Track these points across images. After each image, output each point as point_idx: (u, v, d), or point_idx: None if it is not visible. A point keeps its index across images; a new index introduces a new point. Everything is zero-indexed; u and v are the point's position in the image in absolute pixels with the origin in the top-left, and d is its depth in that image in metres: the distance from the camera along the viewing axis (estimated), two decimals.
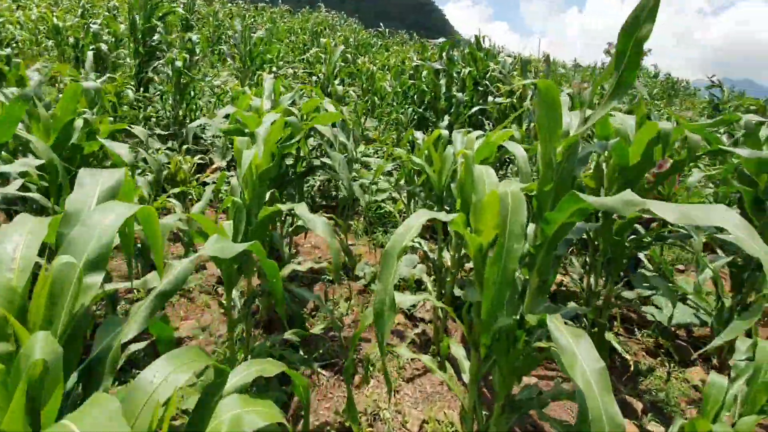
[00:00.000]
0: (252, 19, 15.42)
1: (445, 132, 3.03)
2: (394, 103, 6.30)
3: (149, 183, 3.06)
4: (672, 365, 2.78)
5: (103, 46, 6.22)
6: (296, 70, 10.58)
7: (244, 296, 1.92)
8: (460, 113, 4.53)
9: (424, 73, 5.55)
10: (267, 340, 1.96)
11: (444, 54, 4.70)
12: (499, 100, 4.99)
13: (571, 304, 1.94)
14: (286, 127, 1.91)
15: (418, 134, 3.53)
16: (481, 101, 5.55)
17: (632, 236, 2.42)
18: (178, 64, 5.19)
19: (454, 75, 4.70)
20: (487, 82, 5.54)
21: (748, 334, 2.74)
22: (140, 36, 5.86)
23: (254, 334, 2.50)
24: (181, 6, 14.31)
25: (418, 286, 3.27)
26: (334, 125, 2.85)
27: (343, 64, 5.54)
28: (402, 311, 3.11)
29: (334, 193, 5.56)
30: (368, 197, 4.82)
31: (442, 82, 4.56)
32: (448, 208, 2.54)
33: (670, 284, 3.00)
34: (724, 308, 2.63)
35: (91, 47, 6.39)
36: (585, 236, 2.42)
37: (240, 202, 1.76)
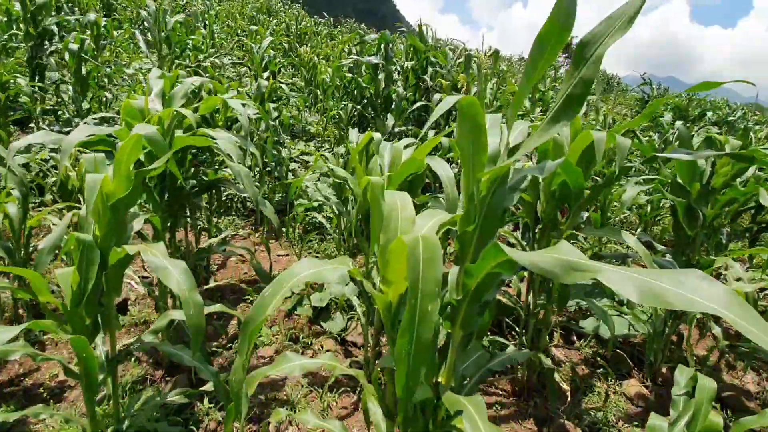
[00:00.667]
0: (184, 0, 14.19)
1: (378, 136, 2.72)
2: (335, 98, 5.91)
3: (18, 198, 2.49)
4: (610, 379, 2.70)
5: None
6: (227, 60, 9.80)
7: (109, 355, 1.51)
8: (402, 110, 4.24)
9: (363, 67, 5.21)
10: (143, 404, 1.57)
11: (382, 48, 4.37)
12: (439, 96, 4.76)
13: (509, 350, 1.72)
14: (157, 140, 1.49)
15: (354, 135, 3.20)
16: (423, 97, 5.31)
17: None
18: (75, 47, 4.45)
19: (394, 70, 4.39)
20: (427, 77, 5.30)
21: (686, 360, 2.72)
22: (29, 15, 4.99)
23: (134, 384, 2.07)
24: None
25: (349, 307, 2.97)
26: (266, 128, 2.45)
27: (273, 53, 5.03)
28: (332, 336, 2.80)
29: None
30: (304, 202, 4.43)
31: (381, 77, 4.24)
32: None
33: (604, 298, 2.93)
34: (657, 316, 2.58)
35: None
36: None
37: (88, 240, 1.35)
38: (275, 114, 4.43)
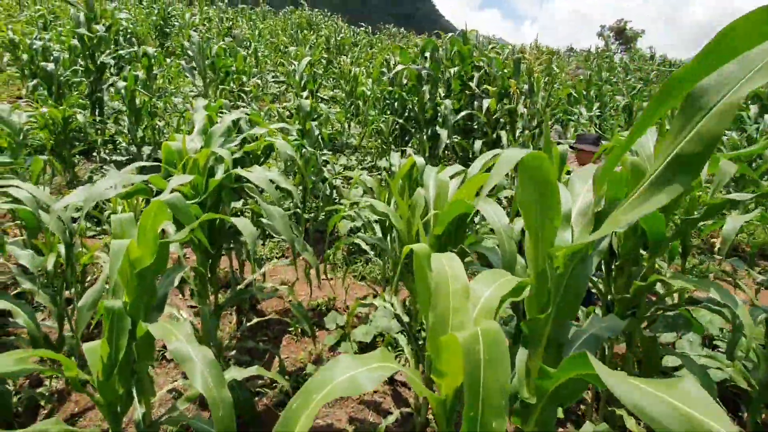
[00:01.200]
0: (230, 23, 14.81)
1: (420, 162, 2.53)
2: (376, 110, 5.78)
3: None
4: None
5: (49, 66, 5.67)
6: (270, 77, 10.02)
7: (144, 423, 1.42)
8: (447, 122, 4.00)
9: (404, 77, 5.03)
10: None
11: (427, 55, 4.13)
12: (486, 103, 4.46)
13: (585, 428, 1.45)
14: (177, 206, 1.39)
15: (396, 159, 3.03)
16: (468, 105, 5.03)
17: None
18: (123, 84, 4.66)
19: (441, 79, 4.15)
20: (472, 84, 5.02)
21: None
22: (88, 51, 5.32)
23: None
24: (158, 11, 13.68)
25: (396, 343, 2.78)
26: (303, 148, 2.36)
27: (312, 71, 5.00)
28: None
29: (312, 214, 5.06)
30: (347, 222, 4.33)
31: (426, 88, 4.03)
32: None
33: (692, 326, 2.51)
34: (760, 361, 2.15)
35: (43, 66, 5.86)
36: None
37: (117, 307, 1.27)
38: (316, 132, 4.37)
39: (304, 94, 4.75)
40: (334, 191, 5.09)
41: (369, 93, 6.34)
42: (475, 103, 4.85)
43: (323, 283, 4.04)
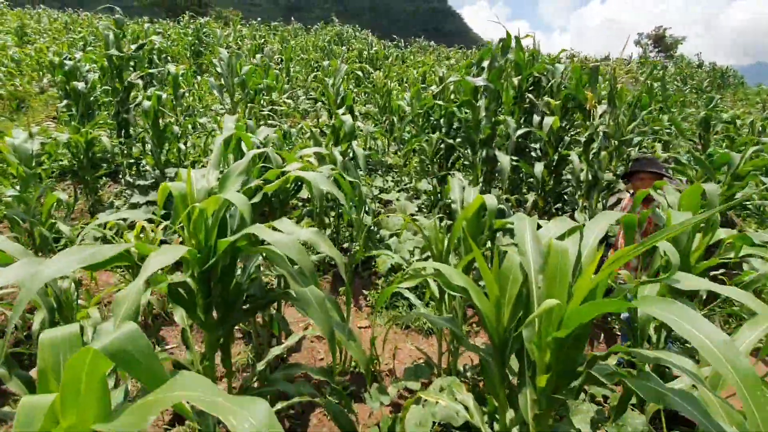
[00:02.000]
0: (262, 40, 14.80)
1: (492, 203, 1.91)
2: (415, 127, 5.22)
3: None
4: None
5: (80, 85, 5.47)
6: (301, 93, 9.70)
7: None
8: (510, 144, 3.36)
9: (452, 90, 4.45)
10: None
11: (485, 65, 3.51)
12: (549, 120, 3.80)
13: None
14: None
15: (457, 189, 2.42)
16: (523, 120, 4.38)
17: None
18: (148, 103, 4.31)
19: (501, 92, 3.52)
20: (531, 96, 4.37)
21: None
22: (115, 71, 5.06)
23: None
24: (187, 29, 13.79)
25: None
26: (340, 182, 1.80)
27: (349, 87, 4.51)
28: None
29: (346, 245, 4.49)
30: (391, 258, 3.73)
31: (481, 103, 3.42)
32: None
33: None
34: None
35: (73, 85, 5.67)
36: None
37: None
38: (359, 154, 3.83)
39: (341, 111, 4.25)
40: (368, 217, 4.51)
41: (408, 108, 5.79)
42: (534, 117, 4.19)
43: (360, 334, 3.45)
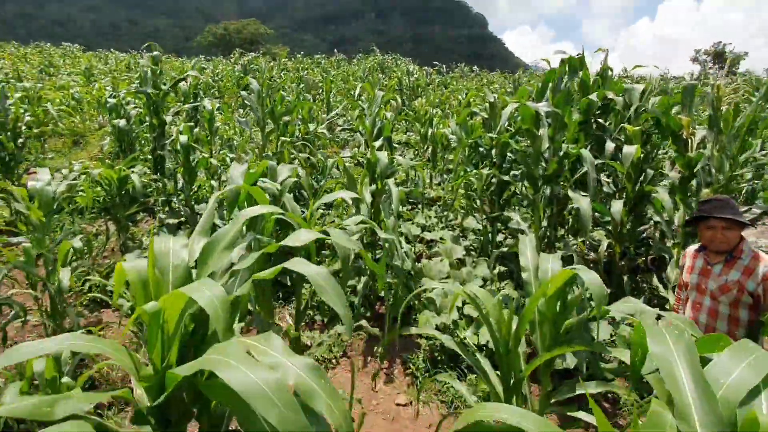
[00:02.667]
0: (305, 72, 15.06)
1: (594, 279, 1.32)
2: (461, 159, 4.67)
3: None
4: None
5: (121, 122, 5.47)
6: (341, 121, 9.48)
7: None
8: (590, 182, 2.72)
9: (503, 115, 3.88)
10: None
11: (549, 90, 2.93)
12: (630, 150, 3.11)
13: None
14: None
15: (528, 251, 1.82)
16: (589, 147, 3.71)
17: None
18: (184, 139, 4.10)
19: (567, 120, 2.90)
20: (603, 122, 3.72)
21: None
22: (153, 106, 4.98)
23: None
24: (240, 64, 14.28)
25: None
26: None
27: (388, 114, 4.08)
28: None
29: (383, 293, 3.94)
30: (434, 316, 3.13)
31: (543, 132, 2.82)
32: None
33: None
34: None
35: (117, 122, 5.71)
36: None
37: None
38: (394, 192, 3.34)
39: (378, 142, 3.81)
40: (409, 261, 3.95)
41: (452, 137, 5.27)
42: (607, 146, 3.52)
43: (397, 413, 2.85)
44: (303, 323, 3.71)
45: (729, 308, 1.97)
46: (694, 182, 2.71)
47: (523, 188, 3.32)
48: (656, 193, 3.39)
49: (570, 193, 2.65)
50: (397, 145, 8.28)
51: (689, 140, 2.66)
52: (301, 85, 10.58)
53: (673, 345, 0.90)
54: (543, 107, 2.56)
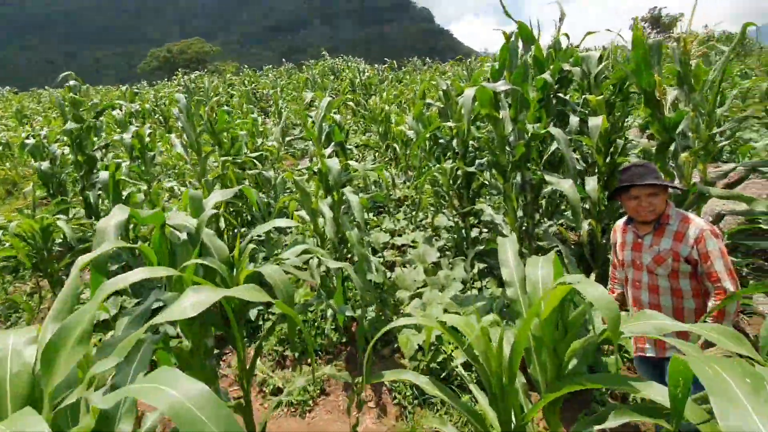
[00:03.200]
0: (252, 85, 14.48)
1: (600, 295, 1.01)
2: (423, 154, 4.37)
3: None
4: None
5: (43, 165, 4.88)
6: (293, 137, 9.05)
7: None
8: (567, 162, 2.44)
9: (462, 103, 3.60)
10: None
11: (504, 66, 2.60)
12: (596, 121, 2.88)
13: None
14: None
15: (509, 254, 1.51)
16: (551, 123, 3.48)
17: None
18: (104, 175, 3.60)
19: (530, 96, 2.61)
20: (560, 95, 3.49)
21: None
22: (75, 143, 4.43)
23: None
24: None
25: None
26: None
27: (337, 118, 3.72)
28: None
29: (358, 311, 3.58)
30: (415, 335, 2.80)
31: (504, 114, 2.51)
32: None
33: None
34: None
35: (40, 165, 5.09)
36: None
37: None
38: (354, 201, 2.98)
39: (328, 150, 3.44)
40: (377, 273, 3.61)
41: (410, 133, 4.97)
42: (571, 120, 3.29)
43: None
44: (272, 362, 3.30)
45: (669, 281, 1.79)
46: (673, 145, 2.48)
47: (492, 178, 3.04)
48: (628, 163, 3.18)
49: (547, 176, 2.38)
50: (355, 148, 7.93)
51: (662, 102, 2.44)
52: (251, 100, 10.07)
53: (743, 395, 0.59)
54: (500, 86, 2.27)
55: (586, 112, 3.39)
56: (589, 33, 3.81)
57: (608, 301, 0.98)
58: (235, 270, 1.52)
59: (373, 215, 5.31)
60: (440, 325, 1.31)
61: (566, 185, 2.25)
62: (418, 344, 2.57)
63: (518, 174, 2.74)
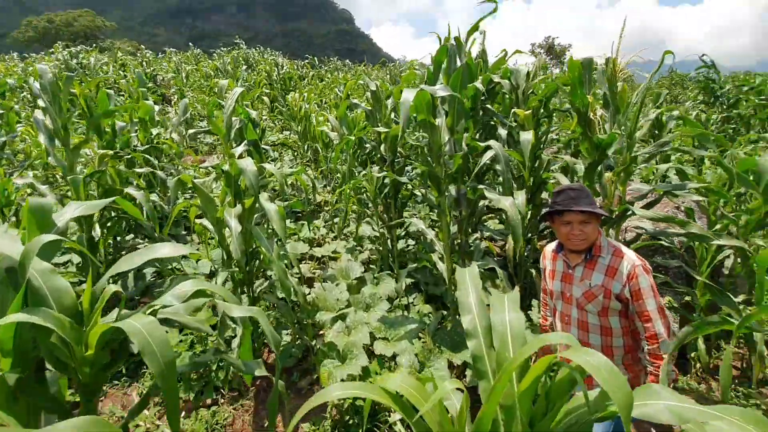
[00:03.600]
0: (152, 68, 12.81)
1: (602, 365, 0.76)
2: (346, 158, 4.04)
3: None
4: None
5: None
6: (198, 129, 8.13)
7: None
8: (506, 178, 2.28)
9: (392, 103, 3.35)
10: None
11: (442, 72, 2.38)
12: (526, 136, 2.83)
13: None
14: None
15: (470, 289, 1.26)
16: (478, 134, 3.42)
17: None
18: None
19: (464, 105, 2.41)
20: (489, 107, 3.43)
21: None
22: None
23: None
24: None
25: None
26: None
27: (252, 114, 3.20)
28: None
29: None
30: (337, 367, 2.44)
31: (441, 121, 2.30)
32: None
33: None
34: None
35: None
36: None
37: None
38: (271, 210, 2.53)
39: (239, 149, 2.94)
40: (296, 294, 3.20)
41: (332, 135, 4.61)
42: (500, 132, 3.23)
43: None
44: (162, 405, 2.68)
45: (598, 318, 1.67)
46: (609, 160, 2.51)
47: (424, 189, 2.83)
48: (553, 179, 3.21)
49: (487, 193, 2.22)
50: (272, 148, 7.33)
51: (594, 121, 2.44)
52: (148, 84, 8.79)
53: None
54: (440, 90, 2.04)
55: (513, 125, 3.37)
56: (517, 51, 3.83)
57: (612, 373, 0.75)
58: (85, 325, 1.03)
59: (291, 222, 4.83)
60: (386, 396, 0.99)
61: (506, 203, 2.11)
62: (343, 378, 2.23)
63: (453, 188, 2.55)
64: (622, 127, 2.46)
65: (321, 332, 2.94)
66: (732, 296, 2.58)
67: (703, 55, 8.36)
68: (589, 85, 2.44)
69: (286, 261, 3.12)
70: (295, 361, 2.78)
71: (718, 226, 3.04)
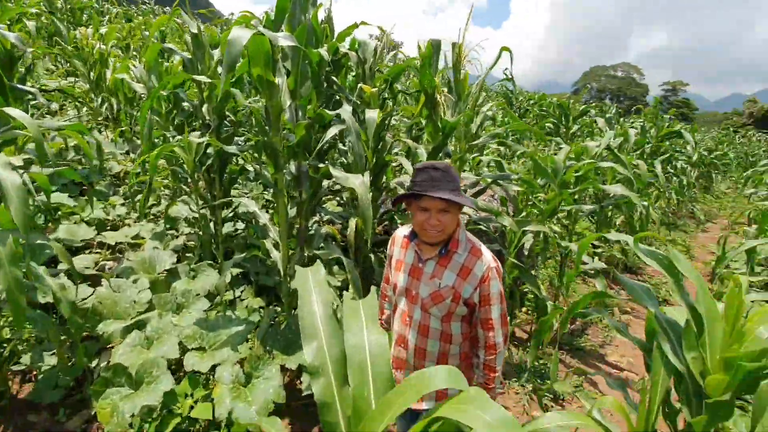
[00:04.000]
0: None
1: None
2: (156, 120, 3.18)
3: None
4: None
5: None
6: None
7: None
8: (325, 151, 1.96)
9: (218, 57, 2.69)
10: None
11: (286, 21, 1.88)
12: (372, 114, 2.65)
13: None
14: None
15: None
16: (321, 106, 3.11)
17: None
18: None
19: (309, 67, 1.99)
20: (335, 79, 3.13)
21: None
22: None
23: None
24: None
25: None
26: None
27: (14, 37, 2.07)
28: None
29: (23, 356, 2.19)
30: (124, 398, 1.78)
31: (281, 81, 1.83)
32: None
33: None
34: None
35: None
36: None
37: None
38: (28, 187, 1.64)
39: None
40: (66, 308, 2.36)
41: (138, 86, 3.58)
42: (344, 108, 2.98)
43: None
44: None
45: (441, 323, 1.48)
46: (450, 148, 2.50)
47: (257, 165, 2.35)
48: (395, 162, 3.16)
49: (333, 171, 1.89)
50: (43, 94, 5.47)
51: (442, 105, 2.39)
52: None
53: None
54: (282, 39, 1.58)
55: (358, 103, 3.17)
56: (363, 23, 3.61)
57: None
58: None
59: (71, 197, 3.60)
60: None
61: (356, 182, 1.82)
62: (130, 417, 1.63)
63: (293, 163, 2.16)
64: (461, 115, 2.49)
65: (108, 348, 2.18)
66: (534, 274, 2.98)
67: (506, 69, 9.99)
68: (436, 68, 2.39)
69: (45, 253, 2.20)
70: (62, 393, 1.98)
71: (524, 213, 3.50)
